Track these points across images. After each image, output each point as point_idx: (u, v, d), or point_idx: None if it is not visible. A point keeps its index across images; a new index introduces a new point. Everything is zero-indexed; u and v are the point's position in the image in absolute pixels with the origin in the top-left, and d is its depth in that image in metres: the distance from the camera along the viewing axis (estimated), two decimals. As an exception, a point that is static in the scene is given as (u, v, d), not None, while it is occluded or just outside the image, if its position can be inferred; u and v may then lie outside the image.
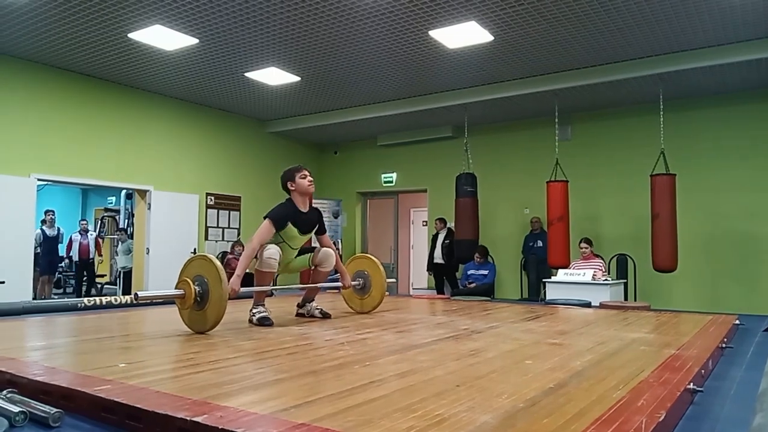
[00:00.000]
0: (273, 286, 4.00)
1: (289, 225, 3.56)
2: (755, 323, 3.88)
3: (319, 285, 3.88)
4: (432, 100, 8.29)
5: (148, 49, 6.58)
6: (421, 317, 4.06)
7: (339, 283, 4.08)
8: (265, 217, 3.51)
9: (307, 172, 3.70)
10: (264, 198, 10.08)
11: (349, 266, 4.28)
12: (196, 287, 3.02)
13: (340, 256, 11.07)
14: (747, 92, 7.45)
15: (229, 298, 3.05)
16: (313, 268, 3.84)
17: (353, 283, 4.16)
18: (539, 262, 8.20)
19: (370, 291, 4.21)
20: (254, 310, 3.50)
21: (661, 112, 7.20)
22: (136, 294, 3.05)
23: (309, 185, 3.67)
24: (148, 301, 4.40)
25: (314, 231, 3.78)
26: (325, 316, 3.82)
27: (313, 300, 3.93)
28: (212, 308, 2.99)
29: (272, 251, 3.44)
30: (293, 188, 3.66)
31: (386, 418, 1.43)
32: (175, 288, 3.10)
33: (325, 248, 3.82)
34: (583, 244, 7.05)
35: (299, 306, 3.95)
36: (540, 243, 8.36)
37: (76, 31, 6.06)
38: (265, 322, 3.39)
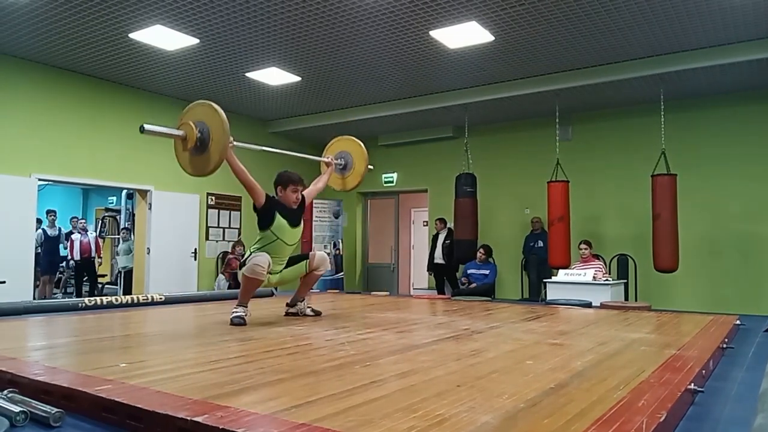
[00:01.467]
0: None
1: (278, 216, 3.54)
2: (756, 323, 3.87)
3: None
4: (432, 100, 8.28)
5: (148, 49, 6.59)
6: (421, 317, 4.06)
7: (326, 158, 4.36)
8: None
9: (300, 190, 3.68)
10: (264, 198, 10.09)
11: (330, 148, 4.48)
12: (197, 131, 3.04)
13: (341, 257, 10.99)
14: (748, 92, 7.45)
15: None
16: (308, 273, 3.87)
17: (336, 161, 4.35)
18: (540, 262, 8.20)
19: (353, 168, 4.38)
20: (234, 309, 3.49)
21: (662, 113, 7.20)
22: (142, 126, 3.05)
23: (293, 203, 3.65)
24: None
25: (301, 219, 3.75)
26: (317, 314, 3.84)
27: (304, 299, 3.94)
28: (213, 152, 3.05)
29: (262, 258, 3.41)
30: (280, 194, 3.66)
31: (387, 418, 1.43)
32: (177, 128, 3.14)
33: (320, 253, 3.89)
34: (582, 246, 7.04)
35: (289, 305, 3.95)
36: (540, 243, 8.35)
37: (77, 31, 6.07)
38: (236, 321, 3.37)
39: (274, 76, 7.50)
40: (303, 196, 3.75)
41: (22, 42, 6.40)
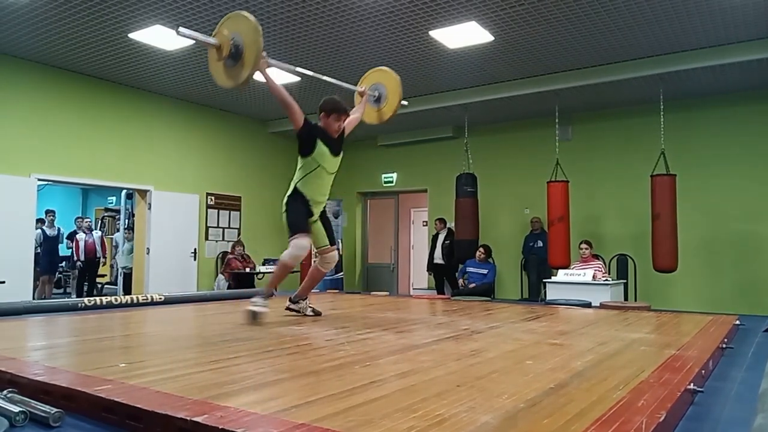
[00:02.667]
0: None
1: (319, 143, 3.48)
2: (756, 323, 3.87)
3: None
4: (432, 100, 8.28)
5: (148, 49, 6.59)
6: (421, 317, 4.06)
7: (359, 88, 4.20)
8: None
9: (343, 119, 3.60)
10: (264, 198, 10.10)
11: (365, 79, 4.35)
12: (232, 40, 3.00)
13: (340, 257, 10.95)
14: (747, 92, 7.46)
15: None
16: (316, 258, 3.81)
17: (369, 93, 4.23)
18: (539, 262, 8.20)
19: (386, 101, 4.26)
20: (254, 299, 3.43)
21: (662, 113, 7.20)
22: (178, 28, 3.00)
23: (335, 131, 3.58)
24: None
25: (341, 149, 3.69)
26: (317, 314, 3.80)
27: (307, 298, 3.88)
28: (247, 62, 2.99)
29: (304, 242, 3.40)
30: (322, 120, 3.57)
31: (387, 418, 1.43)
32: (212, 37, 3.08)
33: (334, 252, 3.81)
34: (583, 246, 7.05)
35: (291, 301, 3.88)
36: (540, 243, 8.36)
37: (76, 30, 6.07)
38: (255, 315, 3.34)
39: (274, 76, 7.47)
40: (343, 130, 3.70)
41: (22, 42, 6.39)
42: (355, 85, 4.32)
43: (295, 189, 3.56)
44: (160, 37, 6.18)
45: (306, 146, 3.50)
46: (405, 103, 4.41)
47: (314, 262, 3.85)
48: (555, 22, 5.71)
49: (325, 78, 4.07)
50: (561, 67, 7.05)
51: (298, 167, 3.58)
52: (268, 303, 3.46)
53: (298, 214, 3.51)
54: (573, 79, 7.16)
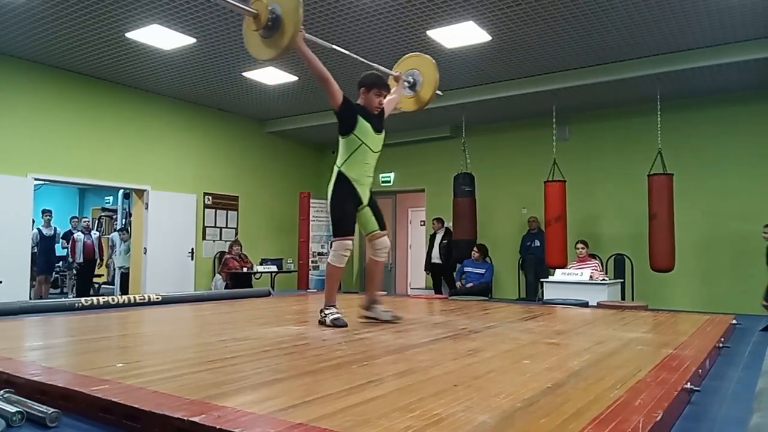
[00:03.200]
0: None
1: (361, 119, 3.33)
2: (752, 323, 3.88)
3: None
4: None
5: (145, 49, 6.57)
6: (419, 317, 4.06)
7: (394, 72, 4.00)
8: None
9: (383, 95, 3.45)
10: (262, 198, 10.10)
11: (398, 67, 4.16)
12: (270, 10, 2.88)
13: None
14: (745, 92, 7.47)
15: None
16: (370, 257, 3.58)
17: (404, 78, 4.01)
18: (537, 261, 8.20)
19: (422, 85, 4.06)
20: (326, 311, 3.27)
21: (659, 112, 7.21)
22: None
23: (375, 108, 3.42)
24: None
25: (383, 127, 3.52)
26: (395, 319, 3.45)
27: (379, 302, 3.57)
28: (284, 33, 2.86)
29: (348, 243, 3.28)
30: (362, 96, 3.44)
31: (384, 417, 1.43)
32: (250, 5, 2.95)
33: (384, 238, 3.54)
34: (579, 246, 7.05)
35: (364, 308, 3.59)
36: (537, 243, 8.36)
37: (73, 30, 6.05)
38: (338, 323, 3.17)
39: (271, 76, 7.49)
40: (383, 109, 3.53)
41: (19, 41, 6.37)
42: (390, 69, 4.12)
43: (339, 173, 3.37)
44: (157, 37, 6.17)
45: (346, 124, 3.33)
46: (439, 93, 4.19)
47: (368, 237, 3.57)
48: (552, 22, 5.72)
49: (360, 59, 3.91)
50: (558, 66, 7.05)
51: (339, 150, 3.40)
52: (336, 308, 3.29)
53: (344, 210, 3.34)
54: (570, 78, 7.17)
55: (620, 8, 5.40)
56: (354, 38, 6.15)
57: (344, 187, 3.35)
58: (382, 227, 3.54)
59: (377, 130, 3.42)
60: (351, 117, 3.32)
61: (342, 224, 3.34)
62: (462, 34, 6.03)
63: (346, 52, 3.82)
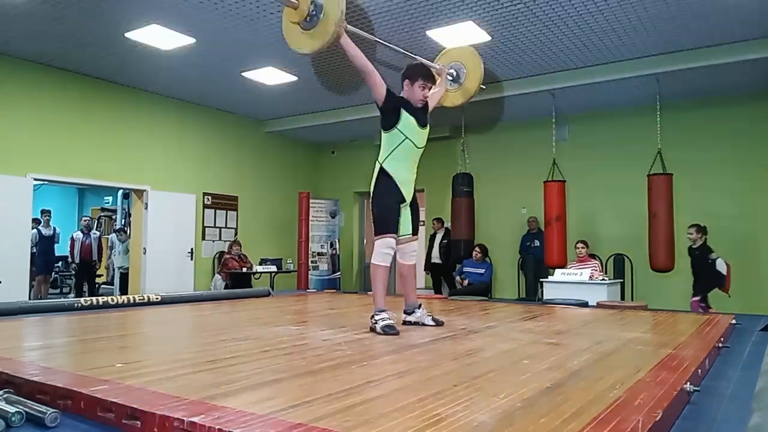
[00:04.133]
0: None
1: (404, 113, 3.16)
2: (752, 323, 3.89)
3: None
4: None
5: (144, 49, 6.57)
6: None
7: (437, 65, 3.83)
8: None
9: (429, 87, 3.28)
10: (261, 198, 10.10)
11: (440, 60, 4.01)
12: (311, 2, 2.72)
13: (338, 257, 10.91)
14: (744, 92, 7.47)
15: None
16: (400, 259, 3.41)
17: (447, 71, 3.86)
18: (536, 262, 8.21)
19: (467, 75, 3.90)
20: (376, 317, 3.05)
21: (658, 112, 7.22)
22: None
23: (419, 100, 3.24)
24: None
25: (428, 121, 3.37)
26: (438, 324, 3.33)
27: (421, 305, 3.43)
28: (326, 26, 2.70)
29: (391, 241, 3.12)
30: (406, 88, 3.26)
31: (384, 417, 1.43)
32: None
33: (414, 242, 3.41)
34: (579, 245, 7.05)
35: (407, 313, 3.43)
36: (537, 243, 8.37)
37: (73, 30, 6.05)
38: (389, 330, 2.95)
39: (270, 76, 7.49)
40: (427, 102, 3.38)
41: (18, 41, 6.37)
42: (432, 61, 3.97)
43: (381, 169, 3.21)
44: (156, 37, 6.17)
45: (390, 118, 3.17)
46: (483, 87, 4.00)
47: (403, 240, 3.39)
48: (551, 22, 5.72)
49: (403, 51, 3.74)
50: (558, 67, 7.06)
51: (382, 145, 3.24)
52: (387, 313, 3.09)
53: (387, 206, 3.20)
54: (569, 79, 7.17)
55: (619, 8, 5.40)
56: (353, 38, 6.13)
57: (386, 183, 3.21)
58: (415, 232, 3.43)
59: (422, 125, 3.27)
60: (395, 111, 3.17)
61: (383, 221, 3.19)
62: (461, 34, 6.02)
63: (391, 45, 3.63)
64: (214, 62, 7.02)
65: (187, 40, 6.26)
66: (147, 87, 8.12)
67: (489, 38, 6.11)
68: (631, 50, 6.46)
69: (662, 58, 6.58)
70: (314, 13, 2.76)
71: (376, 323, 3.04)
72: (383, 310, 3.09)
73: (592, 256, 7.26)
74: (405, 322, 3.39)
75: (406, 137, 3.19)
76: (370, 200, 3.28)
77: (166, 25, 5.88)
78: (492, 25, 5.80)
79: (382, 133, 3.24)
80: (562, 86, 7.27)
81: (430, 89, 3.30)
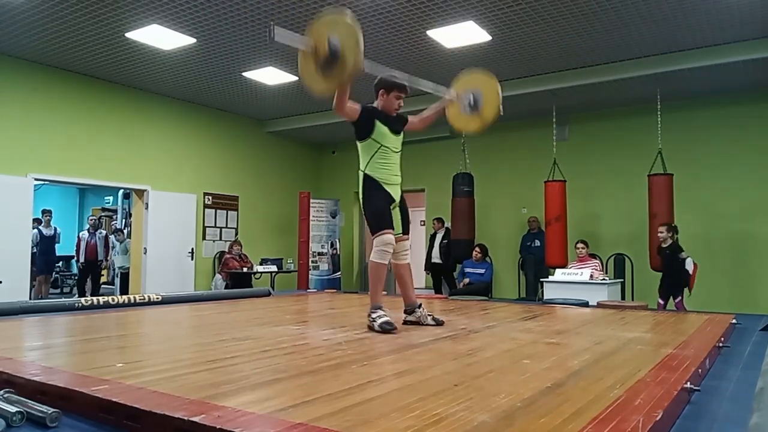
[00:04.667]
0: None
1: (378, 123, 3.27)
2: (752, 322, 3.88)
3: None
4: (429, 100, 8.23)
5: (145, 49, 6.57)
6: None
7: (448, 95, 3.80)
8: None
9: (402, 97, 3.40)
10: (262, 198, 10.10)
11: (460, 81, 3.99)
12: (328, 45, 2.69)
13: (338, 256, 10.90)
14: (744, 92, 7.47)
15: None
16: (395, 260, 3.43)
17: (463, 97, 3.86)
18: (537, 261, 8.21)
19: (484, 102, 3.89)
20: (373, 315, 3.10)
21: (659, 112, 7.22)
22: (272, 32, 2.63)
23: (394, 110, 3.37)
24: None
25: (402, 131, 3.49)
26: (438, 323, 3.35)
27: (421, 305, 3.45)
28: (344, 69, 2.69)
29: (389, 237, 3.16)
30: (381, 98, 3.37)
31: (384, 417, 1.43)
32: (307, 37, 2.77)
33: (405, 242, 3.44)
34: (579, 245, 7.05)
35: (407, 312, 3.45)
36: (537, 243, 8.37)
37: (73, 30, 6.05)
38: (387, 327, 3.00)
39: (271, 76, 7.49)
40: (406, 118, 3.51)
41: (18, 41, 6.37)
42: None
43: (366, 176, 3.31)
44: (158, 37, 6.17)
45: (363, 129, 3.30)
46: (502, 113, 4.02)
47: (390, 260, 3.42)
48: (552, 21, 5.72)
49: (422, 82, 3.71)
50: (558, 66, 7.06)
51: (360, 155, 3.35)
52: (383, 310, 3.14)
53: (378, 207, 3.27)
54: (570, 78, 7.17)
55: (620, 8, 5.40)
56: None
57: (373, 187, 3.29)
58: (406, 231, 3.47)
59: (395, 132, 3.38)
60: (369, 123, 3.29)
61: (378, 220, 3.25)
62: (462, 34, 6.03)
63: (407, 76, 3.59)
64: (215, 62, 7.02)
65: (187, 40, 6.26)
66: (147, 87, 8.13)
67: (489, 38, 6.11)
68: (632, 50, 6.46)
69: (662, 58, 6.58)
70: (332, 56, 2.75)
71: (373, 321, 3.08)
72: (379, 307, 3.14)
73: (593, 255, 7.26)
74: (405, 322, 3.41)
75: (381, 144, 3.30)
76: (362, 206, 3.35)
77: (166, 25, 5.89)
78: (492, 25, 5.80)
79: (358, 143, 3.35)
80: (562, 86, 7.27)
81: (403, 99, 3.43)
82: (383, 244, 3.18)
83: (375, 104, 3.39)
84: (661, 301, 6.15)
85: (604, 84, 7.14)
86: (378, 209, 3.26)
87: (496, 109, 3.88)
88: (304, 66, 2.94)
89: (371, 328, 3.08)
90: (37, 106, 7.14)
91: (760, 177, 7.35)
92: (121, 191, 10.84)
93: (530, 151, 8.90)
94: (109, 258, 10.00)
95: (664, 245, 6.32)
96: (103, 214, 13.06)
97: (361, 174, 3.34)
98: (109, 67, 7.27)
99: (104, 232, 10.27)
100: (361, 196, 3.34)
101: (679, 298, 6.08)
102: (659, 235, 6.34)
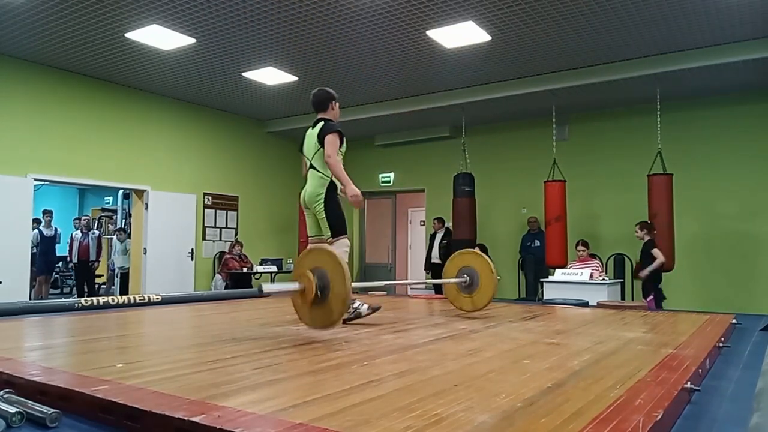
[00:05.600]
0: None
1: (344, 141, 3.73)
2: (752, 323, 3.89)
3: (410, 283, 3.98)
4: (429, 100, 8.28)
5: (145, 49, 6.57)
6: (419, 317, 4.06)
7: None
8: (329, 133, 3.66)
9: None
10: (262, 198, 10.09)
11: (452, 262, 4.12)
12: (316, 280, 2.76)
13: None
14: (743, 92, 7.47)
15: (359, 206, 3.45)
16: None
17: (458, 280, 3.99)
18: (537, 261, 8.21)
19: (479, 286, 3.94)
20: (354, 306, 3.43)
21: (658, 112, 7.22)
22: (260, 289, 2.79)
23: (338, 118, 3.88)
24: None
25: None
26: (375, 309, 3.58)
27: (355, 300, 3.56)
28: (335, 301, 2.72)
29: (347, 241, 3.60)
30: (334, 108, 3.93)
31: (384, 417, 1.43)
32: (295, 281, 2.85)
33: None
34: (579, 246, 7.05)
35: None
36: (537, 243, 8.37)
37: (73, 30, 6.05)
38: (375, 307, 3.51)
39: (270, 76, 7.49)
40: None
41: (18, 42, 6.37)
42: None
43: (331, 183, 3.68)
44: (158, 37, 6.17)
45: (341, 139, 3.77)
46: (499, 278, 4.04)
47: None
48: (552, 21, 5.72)
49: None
50: (558, 66, 7.06)
51: (322, 164, 3.71)
52: (357, 302, 3.50)
53: (339, 214, 3.67)
54: (570, 78, 7.17)
55: (619, 8, 5.40)
56: (354, 38, 6.15)
57: (334, 194, 3.70)
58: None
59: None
60: (341, 138, 3.76)
61: (341, 224, 3.66)
62: (462, 34, 6.03)
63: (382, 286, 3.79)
64: (215, 62, 7.02)
65: (187, 40, 6.26)
66: (147, 87, 8.12)
67: (489, 38, 6.11)
68: (632, 50, 6.46)
69: (662, 58, 6.58)
70: (322, 292, 2.78)
71: (356, 310, 3.43)
72: (353, 299, 3.46)
73: (593, 256, 7.26)
74: (344, 321, 3.44)
75: (342, 154, 3.77)
76: (323, 209, 3.65)
77: (166, 25, 5.88)
78: (492, 25, 5.80)
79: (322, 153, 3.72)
80: (562, 86, 7.27)
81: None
82: (345, 246, 3.59)
83: (328, 115, 3.91)
84: (645, 301, 6.14)
85: (603, 84, 7.14)
86: (341, 215, 3.68)
87: (490, 298, 3.97)
88: (297, 306, 2.95)
89: (358, 317, 3.41)
90: (37, 107, 7.14)
91: (760, 177, 7.34)
92: (120, 191, 10.83)
93: (530, 151, 8.90)
94: (101, 258, 9.98)
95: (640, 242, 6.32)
96: (102, 214, 13.07)
97: (326, 180, 3.69)
98: (109, 67, 7.27)
99: (97, 232, 10.27)
100: (323, 199, 3.67)
101: (651, 297, 6.06)
102: (636, 234, 6.35)
